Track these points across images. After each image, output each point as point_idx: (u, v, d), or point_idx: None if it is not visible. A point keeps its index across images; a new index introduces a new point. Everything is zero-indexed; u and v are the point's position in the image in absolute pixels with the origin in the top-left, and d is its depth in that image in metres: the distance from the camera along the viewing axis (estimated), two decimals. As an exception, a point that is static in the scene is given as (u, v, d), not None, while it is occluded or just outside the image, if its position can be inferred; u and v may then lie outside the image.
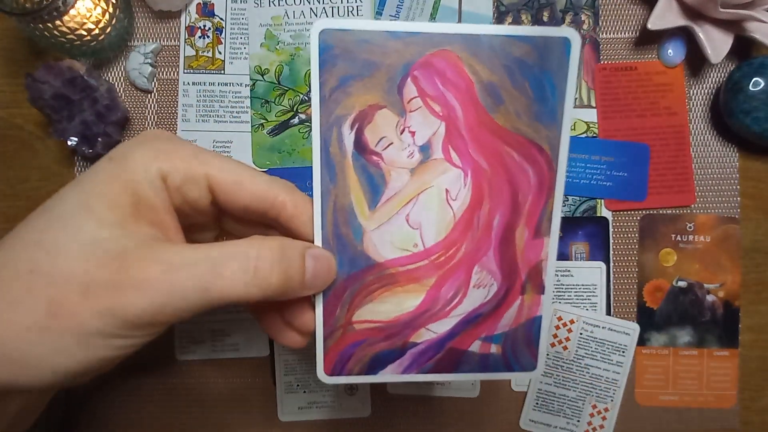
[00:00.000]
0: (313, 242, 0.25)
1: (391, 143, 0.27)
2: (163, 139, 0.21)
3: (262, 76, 0.43)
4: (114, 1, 0.40)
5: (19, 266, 0.18)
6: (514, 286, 0.28)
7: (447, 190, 0.27)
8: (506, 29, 0.26)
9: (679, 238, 0.42)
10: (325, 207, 0.26)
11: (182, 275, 0.18)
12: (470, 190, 0.27)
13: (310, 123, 0.42)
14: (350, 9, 0.43)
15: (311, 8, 0.43)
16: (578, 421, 0.41)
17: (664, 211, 0.43)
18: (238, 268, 0.19)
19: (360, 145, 0.26)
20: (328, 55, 0.25)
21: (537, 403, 0.42)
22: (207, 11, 0.44)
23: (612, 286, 0.42)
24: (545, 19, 0.43)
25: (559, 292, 0.42)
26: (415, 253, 0.28)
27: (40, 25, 0.37)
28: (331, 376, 0.28)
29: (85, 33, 0.39)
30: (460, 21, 0.43)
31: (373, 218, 0.27)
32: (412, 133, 0.27)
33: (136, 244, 0.18)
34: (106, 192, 0.18)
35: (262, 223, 0.25)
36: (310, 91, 0.43)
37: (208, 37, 0.43)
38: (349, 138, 0.26)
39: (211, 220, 0.24)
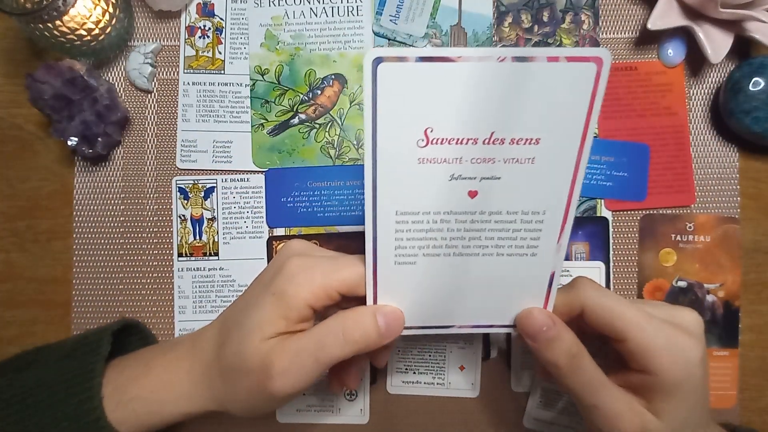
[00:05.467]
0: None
1: None
2: (305, 268, 0.30)
3: (262, 76, 0.43)
4: (114, 1, 0.40)
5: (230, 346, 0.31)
6: None
7: None
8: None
9: (678, 238, 0.42)
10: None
11: (303, 356, 0.29)
12: None
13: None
14: (350, 9, 0.43)
15: (311, 8, 0.43)
16: (582, 419, 0.41)
17: (664, 211, 0.43)
18: (334, 339, 0.29)
19: None
20: None
21: (541, 401, 0.42)
22: (207, 11, 0.44)
23: (612, 286, 0.42)
24: (545, 19, 0.43)
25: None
26: None
27: (40, 25, 0.37)
28: None
29: (85, 33, 0.39)
30: (460, 21, 0.43)
31: None
32: None
33: (276, 343, 0.29)
34: (271, 320, 0.29)
35: None
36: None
37: (208, 37, 0.43)
38: None
39: None
